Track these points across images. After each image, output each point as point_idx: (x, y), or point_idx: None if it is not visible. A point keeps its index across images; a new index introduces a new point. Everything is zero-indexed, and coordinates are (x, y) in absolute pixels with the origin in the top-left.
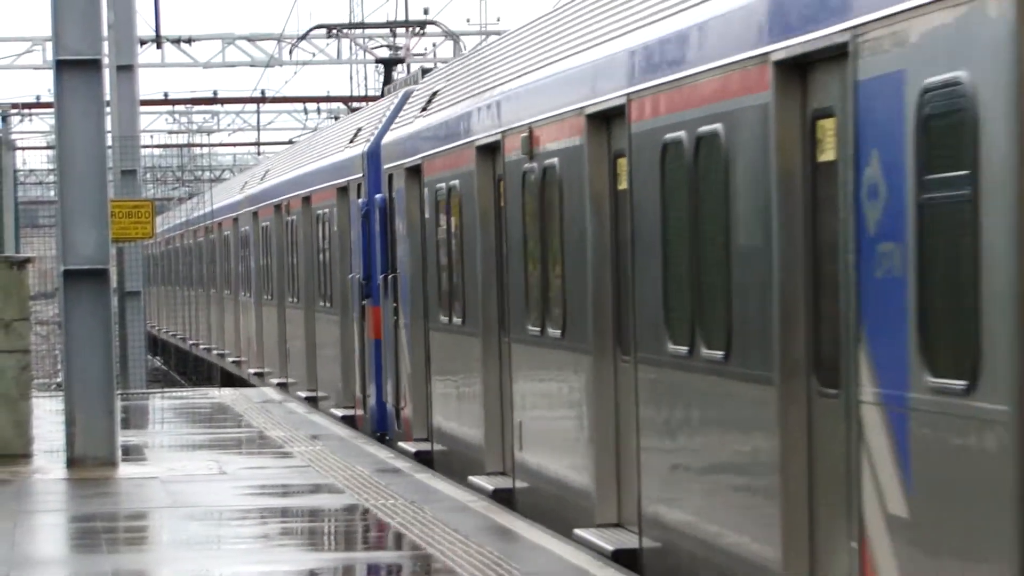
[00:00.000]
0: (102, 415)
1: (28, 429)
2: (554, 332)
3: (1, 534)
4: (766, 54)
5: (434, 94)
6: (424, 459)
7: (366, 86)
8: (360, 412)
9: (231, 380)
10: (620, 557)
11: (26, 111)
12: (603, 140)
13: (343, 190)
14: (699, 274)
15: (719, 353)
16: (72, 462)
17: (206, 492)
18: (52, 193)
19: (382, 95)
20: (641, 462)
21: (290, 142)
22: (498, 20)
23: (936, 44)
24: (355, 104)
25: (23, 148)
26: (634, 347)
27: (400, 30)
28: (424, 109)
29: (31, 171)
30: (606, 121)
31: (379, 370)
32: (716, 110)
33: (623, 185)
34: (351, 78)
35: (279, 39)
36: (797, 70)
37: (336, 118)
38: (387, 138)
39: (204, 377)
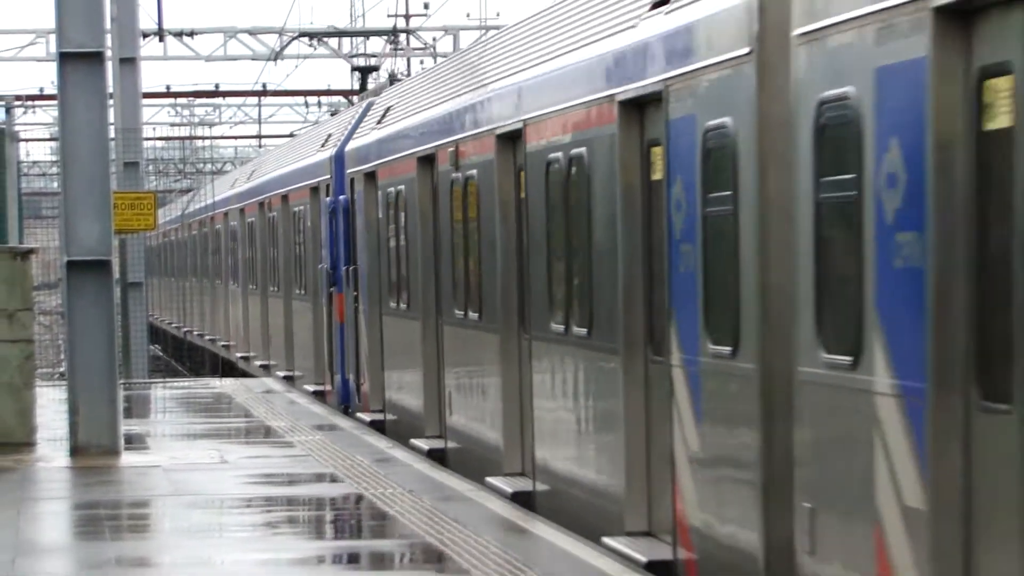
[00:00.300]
0: (105, 404)
1: (32, 418)
2: (473, 314)
3: (5, 521)
4: (612, 95)
5: (388, 109)
6: (378, 427)
7: (365, 80)
8: (329, 387)
9: (222, 364)
10: (518, 497)
11: (29, 103)
12: (510, 157)
13: (315, 190)
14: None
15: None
16: (75, 450)
17: (208, 480)
18: (55, 184)
19: (359, 100)
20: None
21: (291, 135)
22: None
23: (713, 96)
24: (355, 98)
25: (26, 140)
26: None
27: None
28: (379, 122)
29: (34, 162)
30: (512, 140)
31: (343, 350)
32: (581, 137)
33: (523, 194)
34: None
35: (280, 33)
36: (636, 108)
37: (334, 112)
38: (350, 145)
39: (197, 363)
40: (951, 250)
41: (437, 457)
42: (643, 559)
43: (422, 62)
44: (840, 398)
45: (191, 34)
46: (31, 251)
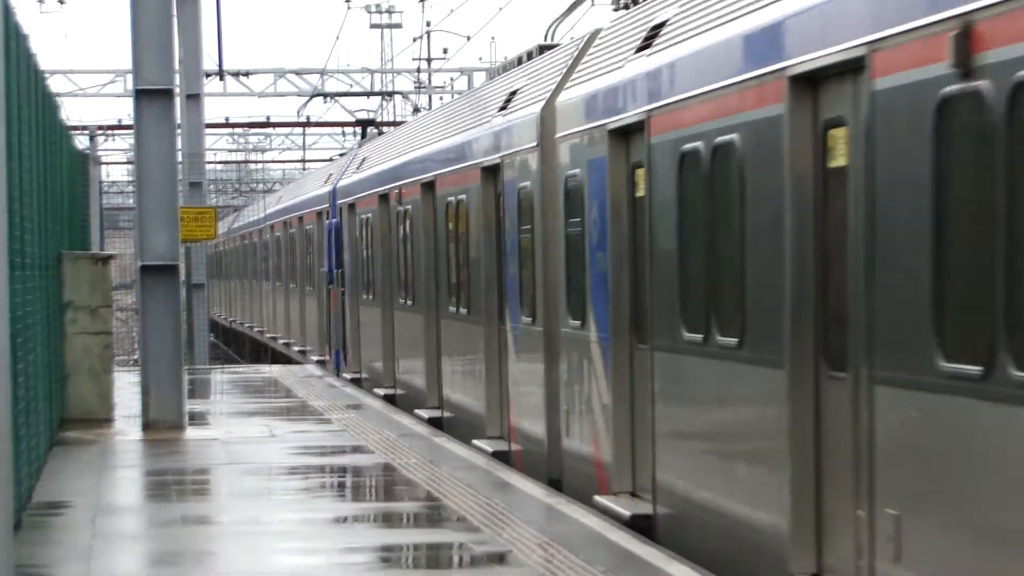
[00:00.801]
0: (172, 387)
1: (110, 398)
2: (409, 301)
3: (88, 486)
4: (479, 164)
5: (363, 159)
6: (356, 382)
7: (394, 113)
8: (327, 357)
9: (261, 348)
10: (499, 456)
11: (109, 132)
12: (429, 200)
13: (320, 214)
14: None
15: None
16: (147, 426)
17: (259, 452)
18: (131, 201)
19: (352, 149)
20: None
21: (331, 159)
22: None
23: (521, 168)
24: (384, 128)
25: (107, 163)
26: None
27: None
28: (358, 168)
29: (113, 182)
30: (430, 187)
31: (334, 330)
32: (463, 188)
33: (451, 225)
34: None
35: (322, 73)
36: (491, 172)
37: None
38: (340, 183)
39: (241, 346)
40: (621, 262)
41: (435, 424)
42: (490, 449)
43: (440, 98)
44: (576, 344)
45: (246, 74)
46: (110, 257)
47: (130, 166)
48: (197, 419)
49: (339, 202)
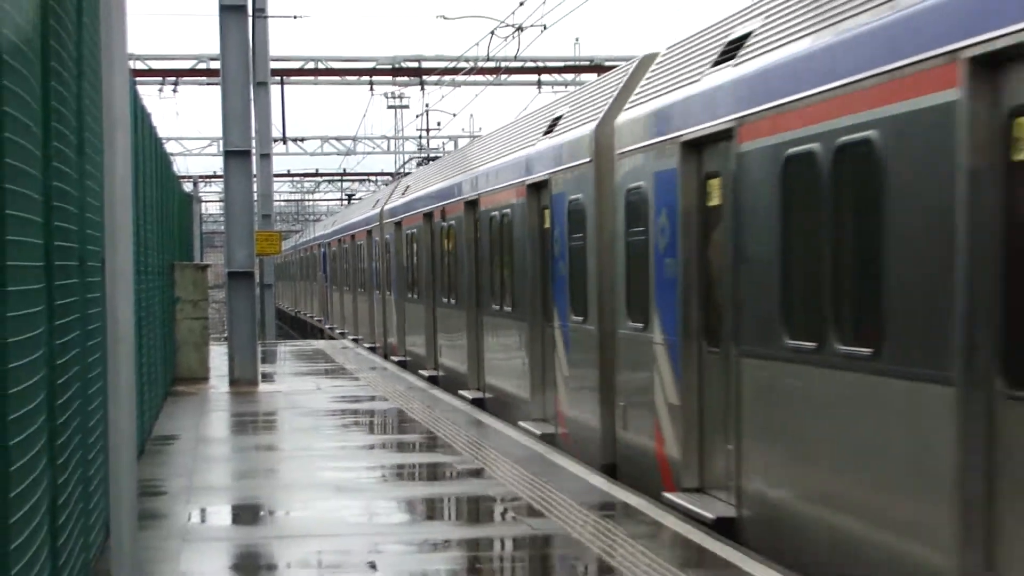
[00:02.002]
0: (250, 355)
1: (207, 363)
2: (451, 299)
3: (192, 423)
4: (524, 181)
5: (407, 187)
6: (402, 363)
7: (403, 167)
8: (379, 344)
9: (320, 333)
10: (546, 438)
11: (207, 180)
12: (471, 215)
13: (370, 232)
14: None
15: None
16: (232, 382)
17: (310, 400)
18: (222, 227)
19: (395, 180)
20: None
21: (359, 198)
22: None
23: (573, 182)
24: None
25: (205, 201)
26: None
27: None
28: (403, 193)
29: (210, 214)
30: (538, 189)
31: (387, 323)
32: (508, 203)
33: (494, 236)
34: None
35: (354, 138)
36: (535, 188)
37: (385, 184)
38: (387, 206)
39: (303, 331)
40: (690, 269)
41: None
42: (538, 432)
43: (435, 158)
44: (639, 345)
45: (302, 139)
46: (207, 266)
47: (221, 203)
48: (267, 378)
49: (386, 221)
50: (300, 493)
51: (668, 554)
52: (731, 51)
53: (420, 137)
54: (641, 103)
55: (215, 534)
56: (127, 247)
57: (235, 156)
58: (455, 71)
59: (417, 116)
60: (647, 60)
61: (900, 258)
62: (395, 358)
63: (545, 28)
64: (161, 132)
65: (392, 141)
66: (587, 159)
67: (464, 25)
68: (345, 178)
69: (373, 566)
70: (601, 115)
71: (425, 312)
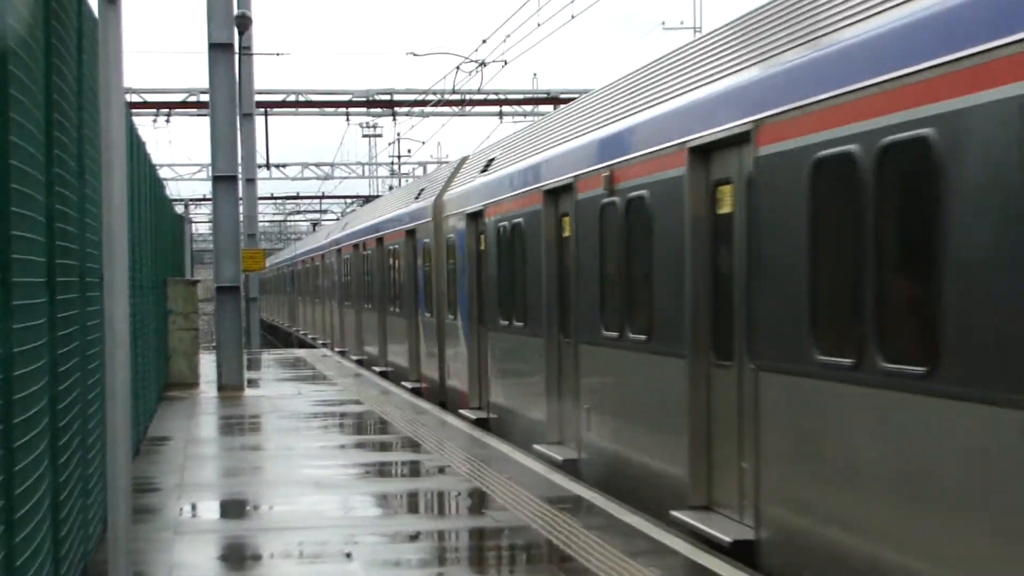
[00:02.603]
0: (236, 362)
1: (197, 370)
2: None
3: (181, 425)
4: (407, 229)
5: (346, 224)
6: (384, 374)
7: (378, 189)
8: (363, 357)
9: (301, 343)
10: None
11: (197, 202)
12: (412, 243)
13: (323, 256)
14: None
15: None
16: (220, 387)
17: (291, 404)
18: (211, 246)
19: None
20: None
21: (337, 219)
22: (446, 156)
23: (424, 232)
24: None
25: (195, 222)
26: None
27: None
28: (344, 228)
29: (199, 234)
30: (554, 195)
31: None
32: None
33: (370, 267)
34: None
35: (332, 165)
36: (411, 234)
37: (353, 209)
38: (338, 235)
39: (285, 340)
40: (472, 284)
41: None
42: (472, 417)
43: (407, 180)
44: (452, 328)
45: (283, 165)
46: (197, 281)
47: (210, 224)
48: (252, 383)
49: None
50: (283, 489)
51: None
52: (486, 167)
53: (392, 163)
54: (452, 188)
55: (204, 527)
56: (123, 264)
57: (223, 181)
58: (424, 103)
59: (389, 144)
60: (463, 160)
61: (658, 278)
62: (379, 368)
63: (506, 63)
64: (155, 159)
65: (366, 167)
66: (430, 219)
67: (432, 61)
68: (324, 200)
69: (349, 556)
70: (437, 192)
71: (407, 326)
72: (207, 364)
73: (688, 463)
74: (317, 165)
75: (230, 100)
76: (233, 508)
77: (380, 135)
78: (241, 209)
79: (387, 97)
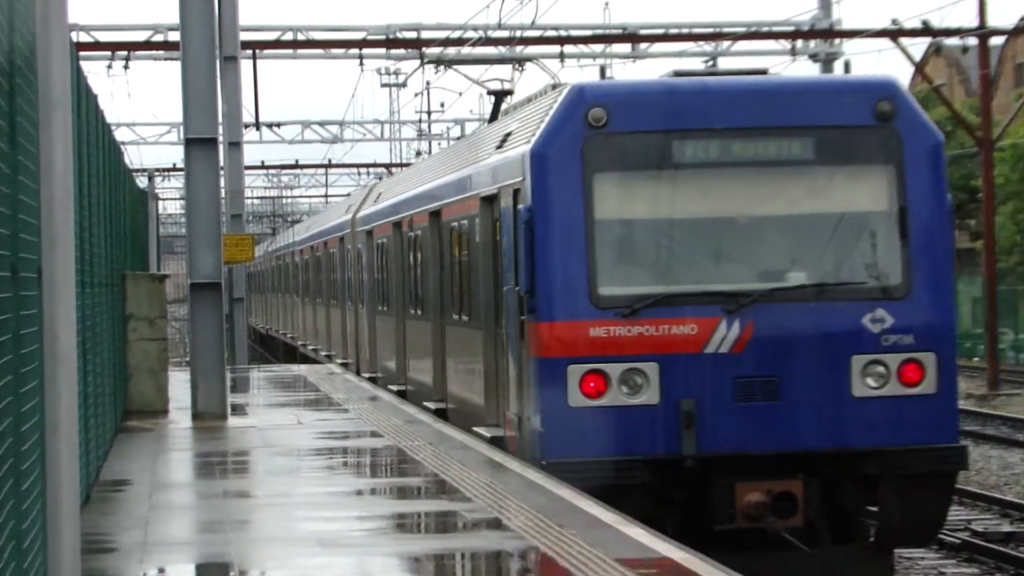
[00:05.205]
0: (217, 383)
1: (165, 393)
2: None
3: (145, 465)
4: (341, 236)
5: (380, 195)
6: (345, 364)
7: (401, 156)
8: (350, 360)
9: (289, 349)
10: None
11: (166, 173)
12: (340, 245)
13: (342, 239)
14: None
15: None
16: (195, 416)
17: (289, 437)
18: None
19: (487, 126)
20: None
21: (348, 195)
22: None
23: (350, 240)
24: (393, 168)
25: (163, 199)
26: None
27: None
28: (363, 203)
29: (169, 215)
30: (436, 215)
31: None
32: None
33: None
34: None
35: (341, 123)
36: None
37: (381, 178)
38: (359, 214)
39: (271, 347)
40: (362, 279)
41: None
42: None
43: (439, 144)
44: (358, 312)
45: (278, 125)
46: (165, 276)
47: (182, 201)
48: (237, 410)
49: (359, 229)
50: (277, 550)
51: None
52: (377, 198)
53: (420, 121)
54: (361, 209)
55: None
56: (68, 254)
57: (198, 145)
58: (460, 41)
59: (416, 95)
60: (375, 185)
61: (467, 278)
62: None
63: None
64: (110, 117)
65: (387, 127)
66: (349, 230)
67: None
68: (331, 170)
69: None
70: (355, 209)
71: (395, 325)
72: (179, 385)
73: (364, 357)
74: (322, 124)
75: (208, 39)
76: (212, 575)
77: (404, 85)
78: (223, 182)
79: (413, 35)
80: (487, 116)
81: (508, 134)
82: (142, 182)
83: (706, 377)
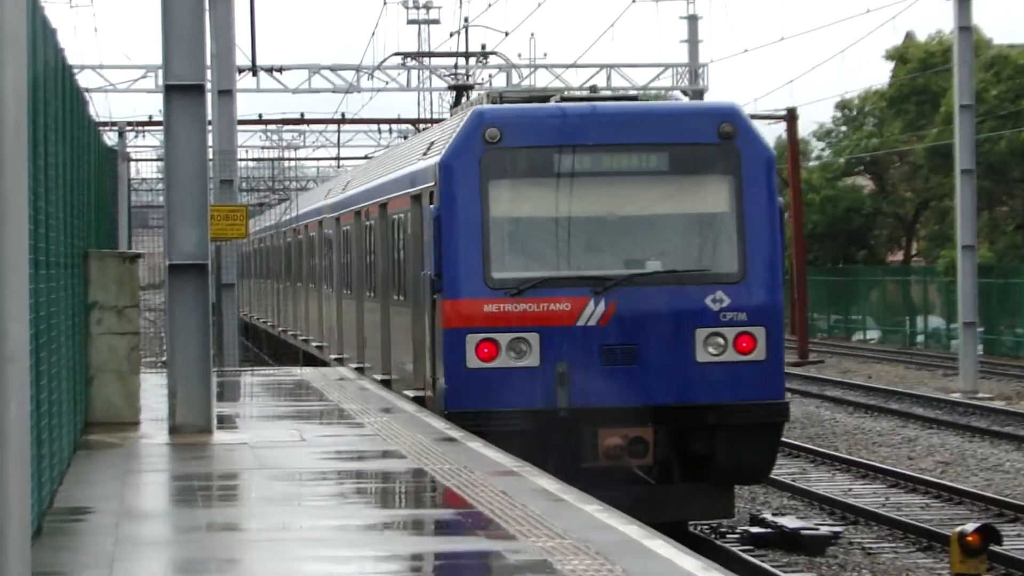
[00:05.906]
0: (200, 389)
1: (136, 400)
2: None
3: (111, 491)
4: (319, 220)
5: (349, 182)
6: (318, 345)
7: (431, 110)
8: (325, 344)
9: (279, 343)
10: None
11: (140, 128)
12: (303, 231)
13: (321, 223)
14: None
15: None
16: (174, 429)
17: (288, 456)
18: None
19: (450, 116)
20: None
21: (366, 157)
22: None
23: (328, 224)
24: (422, 125)
25: (137, 160)
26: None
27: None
28: (345, 188)
29: (143, 180)
30: (384, 208)
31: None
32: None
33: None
34: (418, 103)
35: (358, 69)
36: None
37: (405, 137)
38: (331, 200)
39: (262, 342)
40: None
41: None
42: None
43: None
44: (327, 294)
45: (280, 69)
46: (138, 256)
47: (160, 163)
48: (225, 423)
49: (331, 215)
50: None
51: None
52: (344, 186)
53: (455, 67)
54: (337, 195)
55: None
56: (20, 228)
57: (181, 93)
58: None
59: (451, 35)
60: (296, 193)
61: (403, 264)
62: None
63: None
64: (72, 58)
65: (414, 73)
66: (325, 215)
67: None
68: (344, 126)
69: None
70: (335, 194)
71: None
72: (153, 391)
73: (332, 341)
74: (333, 70)
75: None
76: None
77: (437, 21)
78: (211, 140)
79: None
80: (536, 59)
81: (432, 143)
82: (111, 138)
83: (577, 345)
